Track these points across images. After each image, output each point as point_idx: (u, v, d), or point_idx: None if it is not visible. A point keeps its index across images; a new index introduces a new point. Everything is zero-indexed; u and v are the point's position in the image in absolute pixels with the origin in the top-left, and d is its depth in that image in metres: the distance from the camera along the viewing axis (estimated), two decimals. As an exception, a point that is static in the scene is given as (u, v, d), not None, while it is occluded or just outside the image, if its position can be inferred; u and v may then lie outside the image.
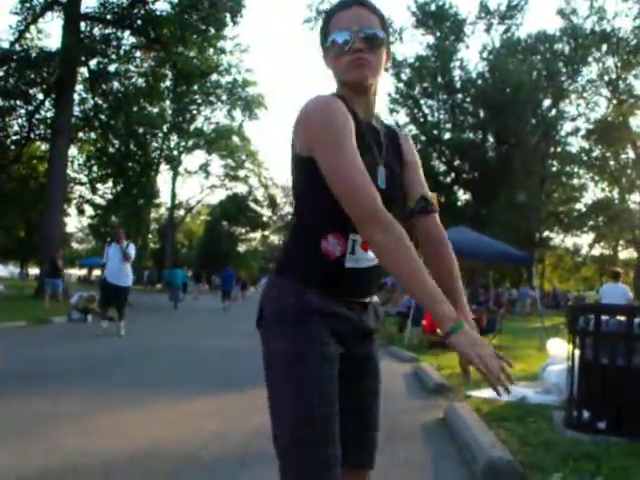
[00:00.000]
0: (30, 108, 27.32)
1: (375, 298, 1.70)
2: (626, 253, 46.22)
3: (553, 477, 3.64)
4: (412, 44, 38.99)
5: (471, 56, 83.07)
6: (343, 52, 1.73)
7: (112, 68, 27.83)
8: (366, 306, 1.82)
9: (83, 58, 25.27)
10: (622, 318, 4.75)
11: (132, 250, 11.81)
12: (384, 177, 1.76)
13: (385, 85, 45.87)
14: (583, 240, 44.60)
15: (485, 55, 35.68)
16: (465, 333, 1.54)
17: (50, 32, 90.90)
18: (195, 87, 32.63)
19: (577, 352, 4.98)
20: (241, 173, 60.35)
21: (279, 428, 1.67)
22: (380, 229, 1.58)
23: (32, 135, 28.46)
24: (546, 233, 43.00)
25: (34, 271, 57.41)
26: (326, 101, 1.70)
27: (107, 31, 26.52)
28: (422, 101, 37.15)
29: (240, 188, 61.74)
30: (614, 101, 36.53)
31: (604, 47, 34.80)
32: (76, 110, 27.74)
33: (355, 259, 1.72)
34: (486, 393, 6.53)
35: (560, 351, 6.45)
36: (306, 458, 1.62)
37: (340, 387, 1.71)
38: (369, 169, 1.66)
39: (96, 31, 26.35)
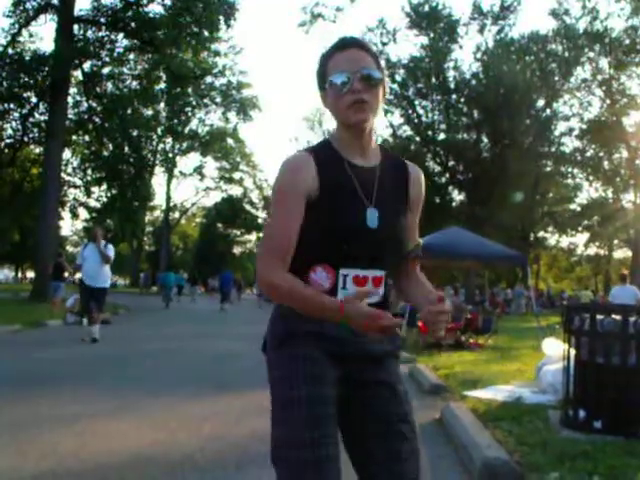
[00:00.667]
0: (24, 111, 27.31)
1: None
2: (620, 253, 46.40)
3: (550, 476, 3.64)
4: (406, 45, 39.17)
5: (465, 57, 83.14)
6: (342, 93, 1.79)
7: (106, 71, 27.82)
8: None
9: (77, 61, 25.24)
10: (617, 317, 4.76)
11: (110, 251, 11.16)
12: (375, 217, 1.82)
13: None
14: (578, 240, 44.76)
15: (479, 56, 35.71)
16: (350, 318, 1.64)
17: (43, 35, 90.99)
18: (189, 89, 32.60)
19: (572, 351, 4.99)
20: (236, 175, 60.38)
21: (274, 451, 1.75)
22: (273, 292, 1.79)
23: (26, 138, 28.45)
24: (541, 233, 43.12)
25: (29, 275, 57.32)
26: (290, 161, 1.84)
27: (101, 34, 26.51)
28: (416, 102, 37.17)
29: (235, 190, 61.81)
30: (607, 101, 36.62)
31: (597, 47, 34.87)
32: (70, 113, 27.71)
33: (348, 294, 1.75)
34: (482, 394, 6.54)
35: (555, 351, 6.46)
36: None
37: (349, 413, 1.82)
38: (356, 213, 1.80)
39: (90, 34, 26.33)
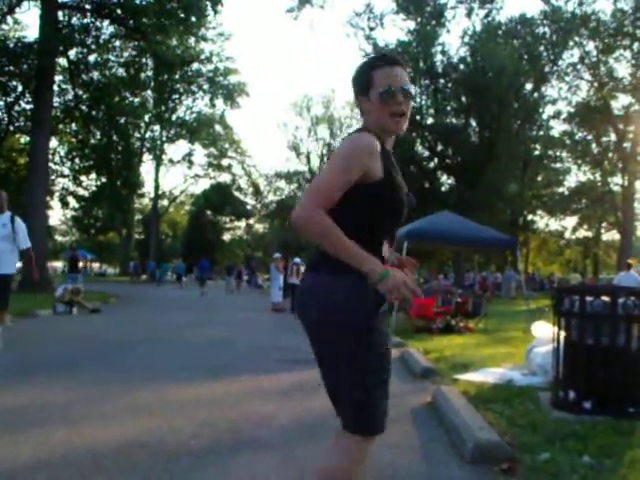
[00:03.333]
0: (9, 100, 27.05)
1: None
2: (609, 235, 46.68)
3: (541, 457, 3.69)
4: (393, 30, 39.03)
5: (452, 41, 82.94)
6: (387, 103, 2.17)
7: (92, 58, 27.55)
8: None
9: (62, 48, 24.94)
10: (606, 299, 4.81)
11: (20, 229, 8.15)
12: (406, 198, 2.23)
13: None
14: (567, 223, 44.94)
15: (466, 40, 35.60)
16: (389, 279, 1.98)
17: (28, 23, 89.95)
18: (176, 76, 32.36)
19: (562, 333, 5.03)
20: (224, 162, 60.19)
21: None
22: (312, 225, 2.02)
23: (12, 127, 28.18)
24: (530, 216, 43.29)
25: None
26: (364, 139, 2.13)
27: (86, 21, 26.20)
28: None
29: (224, 177, 61.63)
30: (595, 84, 36.68)
31: (585, 31, 34.85)
32: (56, 101, 27.47)
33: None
34: (473, 377, 6.59)
35: (545, 333, 6.51)
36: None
37: None
38: (404, 198, 2.21)
39: (75, 21, 26.02)
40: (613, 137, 37.14)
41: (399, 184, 2.19)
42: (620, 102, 37.27)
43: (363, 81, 2.24)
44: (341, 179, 2.04)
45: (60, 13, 25.22)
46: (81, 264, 19.55)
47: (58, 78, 27.21)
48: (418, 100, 37.44)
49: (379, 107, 2.18)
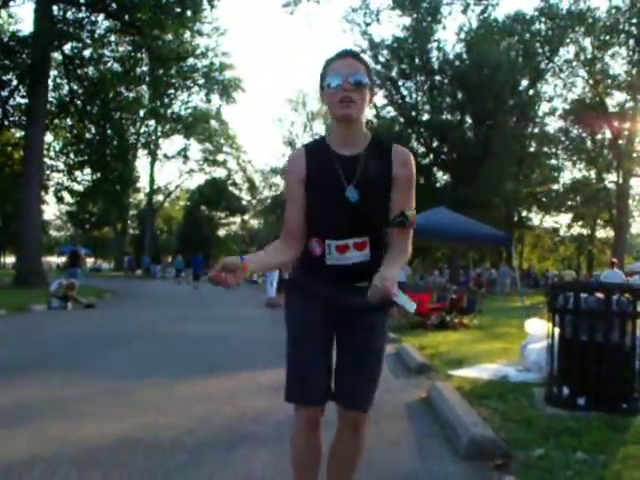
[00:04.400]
0: (4, 94, 26.87)
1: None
2: (603, 232, 46.75)
3: (535, 453, 3.71)
4: (389, 25, 38.99)
5: (448, 37, 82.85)
6: (335, 91, 2.23)
7: (87, 53, 27.40)
8: (354, 289, 2.34)
9: (56, 43, 24.77)
10: (600, 296, 4.83)
11: None
12: (355, 194, 2.28)
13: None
14: (561, 220, 44.98)
15: (462, 36, 35.60)
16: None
17: (23, 16, 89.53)
18: (172, 71, 32.22)
19: (557, 330, 5.05)
20: (220, 157, 60.03)
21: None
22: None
23: (6, 122, 28.03)
24: (525, 213, 43.33)
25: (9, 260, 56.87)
26: (289, 155, 2.48)
27: (81, 15, 26.04)
28: (400, 82, 37.06)
29: (219, 172, 61.47)
30: (591, 81, 36.70)
31: (580, 27, 34.85)
32: (51, 96, 27.33)
33: (335, 258, 2.33)
34: (468, 372, 6.62)
35: (539, 330, 6.54)
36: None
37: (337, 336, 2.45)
38: (335, 191, 2.28)
39: (69, 15, 25.85)
40: (608, 134, 37.16)
41: (324, 186, 2.30)
42: (615, 99, 37.32)
43: (321, 76, 2.33)
44: (290, 203, 2.35)
45: (55, 7, 25.06)
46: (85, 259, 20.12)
47: (53, 73, 27.06)
48: (414, 96, 37.46)
49: (330, 97, 2.26)
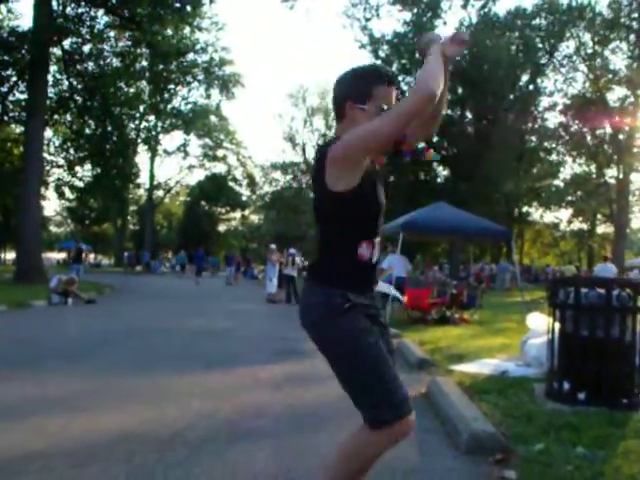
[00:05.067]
0: (3, 90, 26.83)
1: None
2: (603, 227, 46.72)
3: (535, 448, 3.71)
4: (389, 20, 38.91)
5: (448, 32, 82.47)
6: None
7: (86, 48, 27.33)
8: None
9: (56, 38, 24.73)
10: (601, 291, 4.82)
11: None
12: (381, 193, 2.43)
13: (363, 62, 45.65)
14: (562, 215, 44.93)
15: (462, 31, 35.58)
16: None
17: (22, 12, 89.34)
18: (172, 66, 32.18)
19: (557, 325, 5.04)
20: (219, 153, 59.99)
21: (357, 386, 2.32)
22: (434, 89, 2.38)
23: (6, 117, 27.99)
24: (525, 208, 43.31)
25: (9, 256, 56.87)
26: None
27: (80, 10, 25.96)
28: (400, 78, 37.02)
29: (219, 168, 61.43)
30: (591, 76, 36.63)
31: (581, 22, 34.76)
32: (51, 92, 27.26)
33: (376, 256, 2.40)
34: (468, 368, 6.61)
35: (539, 325, 6.53)
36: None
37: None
38: (376, 189, 2.40)
39: (69, 10, 25.78)
40: (608, 129, 37.09)
41: (374, 191, 2.37)
42: (616, 94, 37.25)
43: (361, 90, 2.34)
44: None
45: (54, 2, 25.00)
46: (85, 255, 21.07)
47: (53, 68, 27.00)
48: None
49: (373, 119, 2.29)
